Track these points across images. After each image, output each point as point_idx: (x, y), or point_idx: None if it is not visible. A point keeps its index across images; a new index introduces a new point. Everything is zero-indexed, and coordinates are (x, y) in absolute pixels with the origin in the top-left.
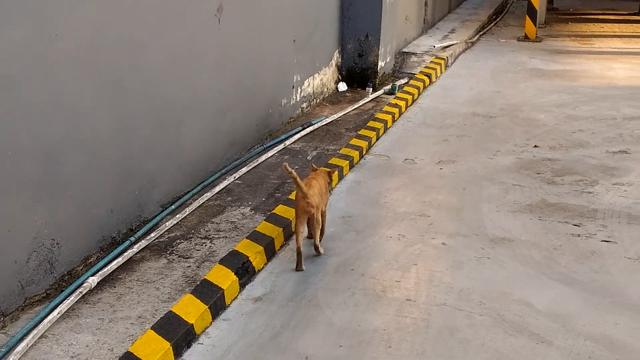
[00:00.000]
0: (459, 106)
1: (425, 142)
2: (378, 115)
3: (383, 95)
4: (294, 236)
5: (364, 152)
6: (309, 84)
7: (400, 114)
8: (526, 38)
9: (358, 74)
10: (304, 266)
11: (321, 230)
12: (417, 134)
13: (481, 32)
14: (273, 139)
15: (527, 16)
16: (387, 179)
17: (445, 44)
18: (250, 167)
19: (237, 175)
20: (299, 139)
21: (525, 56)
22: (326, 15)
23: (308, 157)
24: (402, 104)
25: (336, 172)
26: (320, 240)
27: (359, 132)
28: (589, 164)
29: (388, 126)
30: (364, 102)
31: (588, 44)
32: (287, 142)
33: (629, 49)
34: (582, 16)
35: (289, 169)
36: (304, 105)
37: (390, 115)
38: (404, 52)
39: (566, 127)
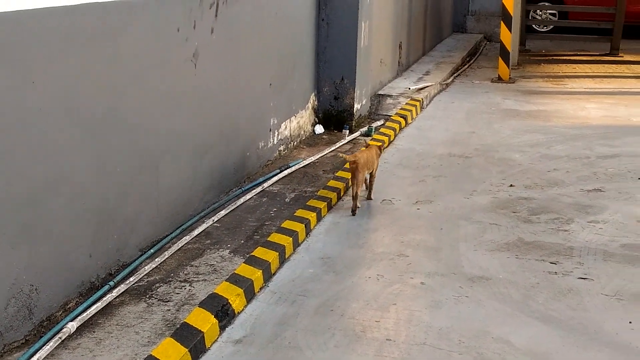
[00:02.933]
0: (435, 147)
1: (402, 183)
2: None
3: (360, 137)
4: (351, 188)
5: (342, 194)
6: (286, 127)
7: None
8: (500, 79)
9: (334, 117)
10: (356, 211)
11: (370, 187)
12: (394, 175)
13: (455, 74)
14: (251, 181)
15: (499, 58)
16: (365, 220)
17: (420, 85)
18: (229, 210)
19: (215, 218)
20: (277, 182)
21: (499, 97)
22: (302, 59)
23: (286, 200)
24: (379, 144)
25: (386, 143)
26: (370, 194)
27: (337, 174)
28: (564, 202)
29: None
30: (341, 144)
31: (561, 85)
32: (265, 185)
33: (601, 89)
34: (555, 57)
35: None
36: (282, 148)
37: None
38: (380, 94)
39: (541, 167)
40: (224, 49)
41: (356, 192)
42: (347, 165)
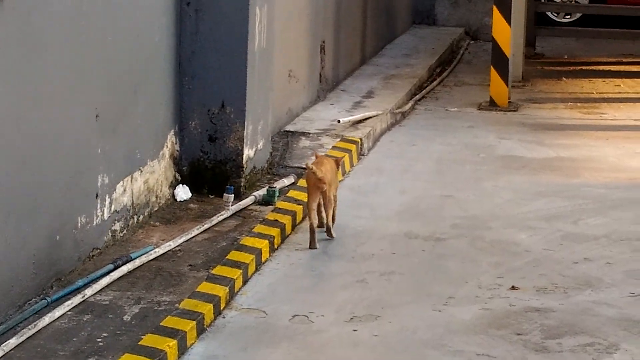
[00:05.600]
0: (383, 222)
1: (327, 284)
2: (246, 241)
3: (253, 207)
4: (308, 215)
5: (223, 306)
6: (124, 190)
7: (285, 237)
8: (493, 105)
9: (209, 171)
10: (317, 244)
11: (329, 217)
12: (314, 272)
13: (418, 97)
14: (63, 286)
15: (492, 68)
16: (263, 352)
17: (358, 116)
18: (24, 338)
19: (0, 352)
20: (108, 286)
21: (493, 135)
22: (153, 73)
23: (126, 317)
24: (286, 220)
25: (345, 158)
26: (331, 230)
27: (213, 272)
28: (603, 316)
29: (263, 259)
30: (221, 218)
31: (595, 114)
32: (88, 292)
33: None
34: (584, 67)
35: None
36: (117, 226)
37: (267, 241)
38: (288, 131)
39: (563, 255)
40: (16, 55)
41: (326, 223)
42: (305, 180)
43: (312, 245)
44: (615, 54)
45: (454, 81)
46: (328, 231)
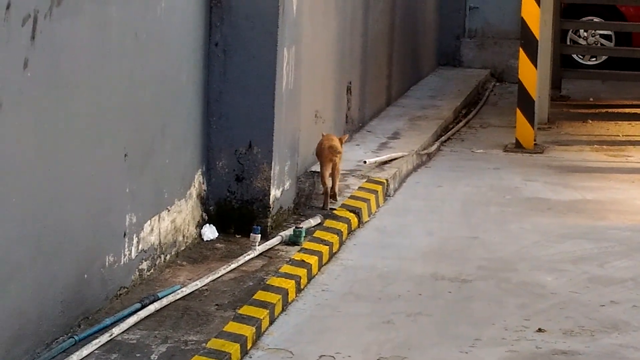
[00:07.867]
0: (409, 263)
1: (353, 325)
2: (272, 282)
3: (280, 247)
4: (321, 180)
5: (249, 345)
6: (152, 230)
7: (311, 278)
8: (519, 147)
9: (236, 211)
10: (329, 206)
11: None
12: (340, 313)
13: (444, 138)
14: (91, 325)
15: (518, 110)
16: None
17: (384, 157)
18: None
19: None
20: (135, 325)
21: (519, 177)
22: (180, 113)
23: (152, 357)
24: (312, 260)
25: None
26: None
27: (240, 311)
28: (630, 359)
29: (290, 299)
30: (248, 258)
31: (621, 157)
32: (116, 331)
33: None
34: (610, 110)
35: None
36: (145, 265)
37: (294, 281)
38: (315, 171)
39: (590, 298)
40: (46, 94)
41: (332, 188)
42: (317, 154)
43: (325, 206)
44: None
45: (479, 123)
46: (334, 196)
